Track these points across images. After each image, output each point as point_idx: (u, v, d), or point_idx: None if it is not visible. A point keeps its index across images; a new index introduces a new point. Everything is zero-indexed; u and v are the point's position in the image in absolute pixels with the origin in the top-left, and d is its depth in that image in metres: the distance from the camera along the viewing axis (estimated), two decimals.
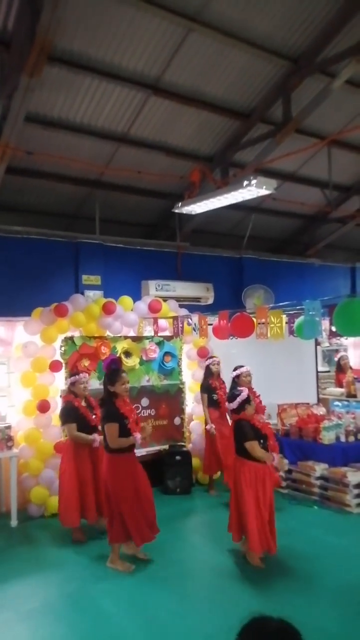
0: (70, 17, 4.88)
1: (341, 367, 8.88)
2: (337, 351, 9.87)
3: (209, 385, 6.75)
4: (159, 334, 6.91)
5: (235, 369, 5.76)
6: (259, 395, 6.09)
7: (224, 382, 6.85)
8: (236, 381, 5.68)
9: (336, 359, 9.25)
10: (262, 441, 4.59)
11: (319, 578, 4.32)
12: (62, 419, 5.51)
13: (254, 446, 4.53)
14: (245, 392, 4.72)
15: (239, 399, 4.69)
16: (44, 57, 4.71)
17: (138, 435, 4.56)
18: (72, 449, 5.33)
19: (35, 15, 4.43)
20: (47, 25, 4.40)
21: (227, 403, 5.03)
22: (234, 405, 4.72)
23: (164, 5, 5.08)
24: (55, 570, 4.67)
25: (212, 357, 7.02)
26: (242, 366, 5.87)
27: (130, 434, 4.56)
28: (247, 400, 4.65)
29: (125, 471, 4.58)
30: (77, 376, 5.50)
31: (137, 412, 6.77)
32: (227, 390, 6.56)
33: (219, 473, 6.87)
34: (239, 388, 4.93)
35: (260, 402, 6.02)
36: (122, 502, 4.51)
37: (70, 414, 5.37)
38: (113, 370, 4.86)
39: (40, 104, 5.75)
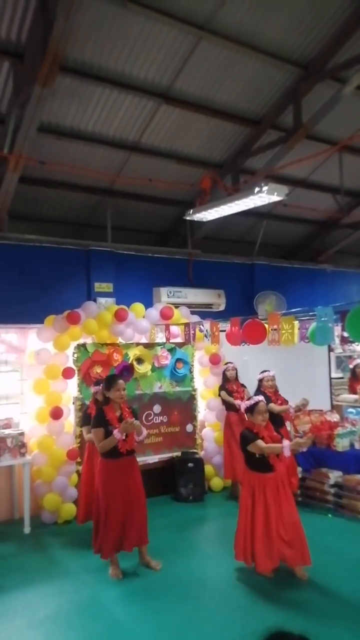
0: (81, 27, 4.95)
1: (356, 375, 8.79)
2: (351, 357, 9.77)
3: (226, 389, 6.83)
4: (170, 341, 6.92)
5: (261, 373, 6.15)
6: (285, 402, 6.10)
7: (242, 386, 6.87)
8: (259, 385, 6.10)
9: (351, 366, 9.15)
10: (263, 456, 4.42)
11: (333, 586, 4.27)
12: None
13: (257, 445, 4.34)
14: (253, 400, 4.60)
15: (246, 403, 4.67)
16: (56, 67, 4.77)
17: (116, 432, 4.45)
18: (86, 452, 5.65)
19: (47, 26, 4.50)
20: (59, 36, 4.47)
21: (242, 403, 5.01)
22: (243, 407, 4.72)
23: (174, 15, 5.12)
24: (68, 577, 4.67)
25: (227, 363, 7.04)
26: (267, 371, 6.22)
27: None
28: (251, 409, 4.54)
29: (109, 477, 4.57)
30: (96, 387, 5.65)
31: (150, 418, 6.80)
32: (246, 391, 6.71)
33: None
34: (254, 397, 4.77)
35: (282, 403, 6.04)
36: (99, 506, 4.58)
37: (84, 418, 5.69)
38: (110, 377, 4.94)
39: (53, 113, 5.82)
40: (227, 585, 4.42)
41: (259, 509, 4.35)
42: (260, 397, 4.69)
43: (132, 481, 4.64)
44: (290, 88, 6.32)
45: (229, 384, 6.86)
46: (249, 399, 4.82)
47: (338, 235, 9.88)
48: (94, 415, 4.78)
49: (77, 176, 6.69)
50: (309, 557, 4.36)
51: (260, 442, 4.36)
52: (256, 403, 4.53)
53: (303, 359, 7.70)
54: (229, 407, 6.80)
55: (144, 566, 4.75)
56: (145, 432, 4.70)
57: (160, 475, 6.84)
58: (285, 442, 4.32)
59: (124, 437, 4.50)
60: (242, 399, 6.66)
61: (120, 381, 4.74)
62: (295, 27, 5.62)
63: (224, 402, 6.87)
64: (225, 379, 6.91)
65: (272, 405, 5.74)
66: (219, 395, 6.93)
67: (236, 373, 6.93)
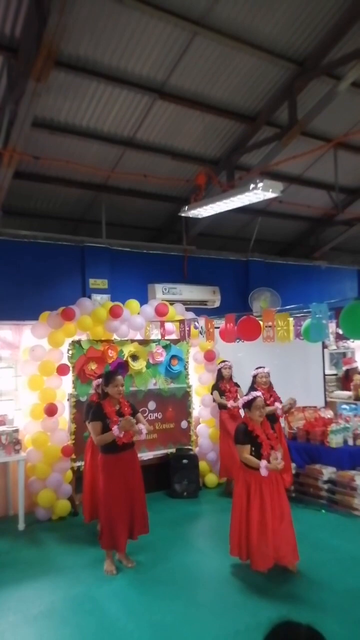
0: (76, 22, 4.92)
1: (349, 376, 8.95)
2: (345, 355, 9.85)
3: (219, 388, 6.84)
4: (165, 337, 6.91)
5: (255, 369, 6.07)
6: (278, 399, 6.09)
7: (235, 385, 6.88)
8: (253, 381, 6.03)
9: (345, 368, 9.28)
10: (254, 448, 4.41)
11: (326, 582, 4.29)
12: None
13: (241, 450, 4.43)
14: (252, 395, 4.63)
15: (243, 399, 4.70)
16: (51, 62, 4.74)
17: (115, 429, 4.50)
18: (89, 449, 5.59)
19: (42, 21, 4.46)
20: (53, 31, 4.43)
21: (239, 400, 5.04)
22: (239, 404, 4.74)
23: (170, 10, 5.09)
24: (62, 573, 4.67)
25: (223, 361, 7.05)
26: (262, 367, 6.16)
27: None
28: (249, 404, 4.57)
29: (110, 471, 4.60)
30: (98, 380, 5.62)
31: (144, 415, 6.79)
32: (239, 391, 6.70)
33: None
34: (253, 392, 4.81)
35: (274, 402, 6.03)
36: (103, 501, 4.59)
37: (87, 411, 5.67)
38: (109, 373, 4.99)
39: (47, 108, 5.79)
40: (221, 581, 4.43)
41: (255, 506, 4.36)
42: (258, 393, 4.72)
43: (133, 474, 4.69)
44: (285, 84, 6.31)
45: (222, 383, 6.87)
46: (247, 395, 4.83)
47: (333, 232, 9.90)
48: (92, 409, 4.80)
49: (71, 171, 6.67)
50: (297, 552, 4.40)
51: (243, 450, 4.41)
52: (254, 398, 4.57)
53: (297, 355, 7.72)
54: (221, 405, 6.82)
55: (119, 562, 4.76)
56: (144, 431, 4.65)
57: (154, 471, 6.85)
58: (263, 462, 4.33)
59: (121, 435, 4.54)
60: (234, 398, 6.68)
61: (119, 377, 4.77)
62: (291, 23, 5.60)
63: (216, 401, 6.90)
64: (220, 377, 6.92)
65: None
66: (211, 394, 6.95)
67: (231, 372, 6.94)
